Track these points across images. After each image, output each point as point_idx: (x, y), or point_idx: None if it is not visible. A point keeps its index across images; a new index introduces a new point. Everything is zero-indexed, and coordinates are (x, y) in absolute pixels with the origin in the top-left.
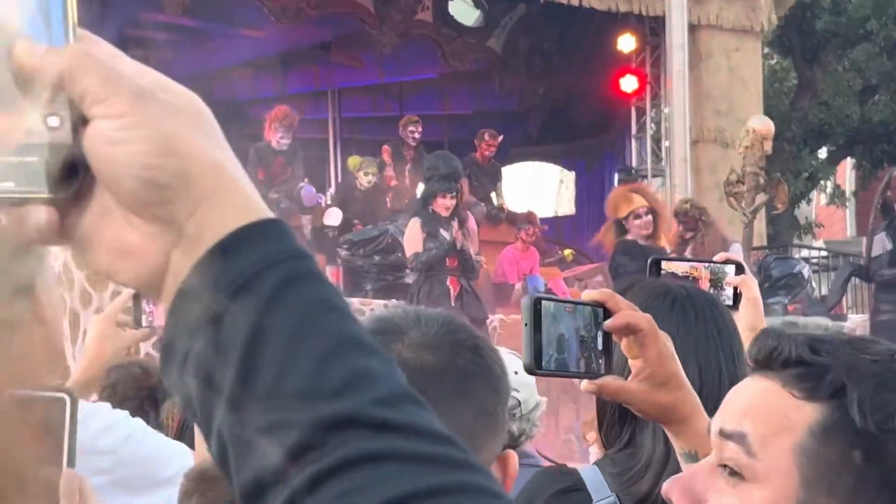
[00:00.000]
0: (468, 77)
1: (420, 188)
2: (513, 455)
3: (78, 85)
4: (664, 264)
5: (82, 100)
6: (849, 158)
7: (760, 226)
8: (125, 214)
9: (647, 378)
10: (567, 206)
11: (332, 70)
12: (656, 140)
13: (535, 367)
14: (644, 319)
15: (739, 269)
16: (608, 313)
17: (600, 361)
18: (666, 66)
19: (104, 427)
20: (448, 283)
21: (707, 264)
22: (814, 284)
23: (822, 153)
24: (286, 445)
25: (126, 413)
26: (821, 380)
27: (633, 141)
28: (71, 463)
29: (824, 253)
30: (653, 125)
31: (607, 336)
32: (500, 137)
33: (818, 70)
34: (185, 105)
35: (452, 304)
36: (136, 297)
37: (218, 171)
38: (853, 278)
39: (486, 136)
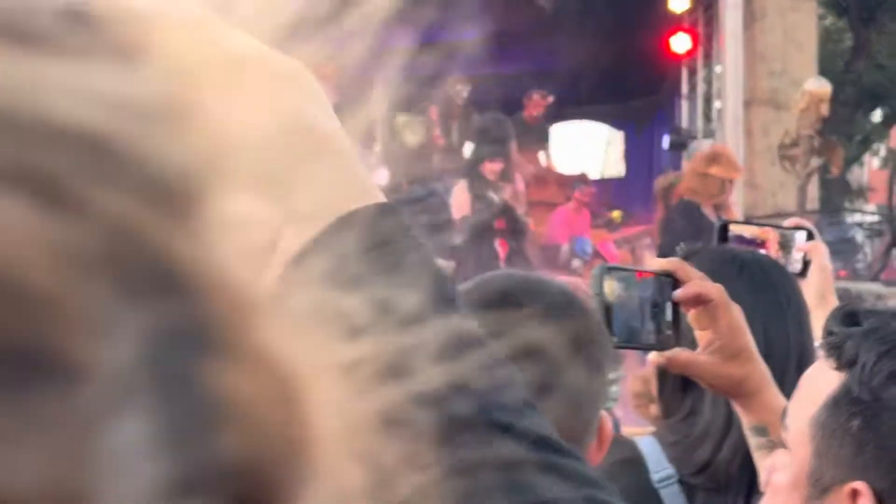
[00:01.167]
0: (518, 36)
1: (468, 148)
2: (607, 418)
3: None
4: (732, 227)
5: None
6: None
7: (813, 190)
8: (232, 188)
9: (717, 350)
10: (614, 168)
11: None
12: (707, 101)
13: None
14: (715, 289)
15: (810, 236)
16: (677, 283)
17: (669, 333)
18: (719, 26)
19: None
20: (497, 246)
21: (776, 229)
22: (867, 249)
23: (877, 116)
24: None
25: None
26: (842, 350)
27: (684, 101)
28: None
29: (877, 217)
30: (704, 85)
31: (676, 307)
32: (550, 98)
33: (873, 31)
34: (295, 74)
35: (502, 266)
36: None
37: (328, 148)
38: None
39: (536, 97)
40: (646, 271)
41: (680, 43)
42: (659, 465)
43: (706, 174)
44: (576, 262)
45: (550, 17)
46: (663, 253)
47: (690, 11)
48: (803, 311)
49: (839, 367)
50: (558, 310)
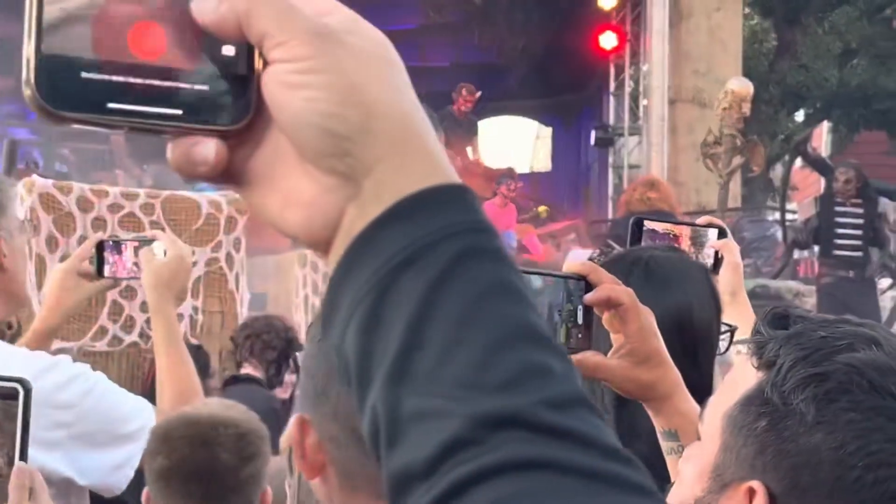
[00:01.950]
0: (447, 29)
1: None
2: None
3: (255, 28)
4: (646, 223)
5: (261, 44)
6: (825, 122)
7: (735, 187)
8: (301, 162)
9: (627, 354)
10: (543, 163)
11: None
12: (634, 98)
13: None
14: (625, 293)
15: (722, 234)
16: (589, 286)
17: (580, 336)
18: (646, 24)
19: (65, 380)
20: None
21: (689, 226)
22: None
23: (800, 116)
24: (439, 438)
25: (87, 366)
26: (764, 350)
27: (612, 98)
28: (23, 457)
29: (798, 216)
30: (631, 83)
31: (588, 310)
32: (478, 94)
33: (798, 32)
34: (375, 50)
35: None
36: (99, 247)
37: (404, 126)
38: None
39: (464, 91)
40: (557, 275)
41: (608, 40)
42: None
43: (649, 198)
44: None
45: (480, 12)
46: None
47: (618, 9)
48: (690, 321)
49: (759, 367)
50: None
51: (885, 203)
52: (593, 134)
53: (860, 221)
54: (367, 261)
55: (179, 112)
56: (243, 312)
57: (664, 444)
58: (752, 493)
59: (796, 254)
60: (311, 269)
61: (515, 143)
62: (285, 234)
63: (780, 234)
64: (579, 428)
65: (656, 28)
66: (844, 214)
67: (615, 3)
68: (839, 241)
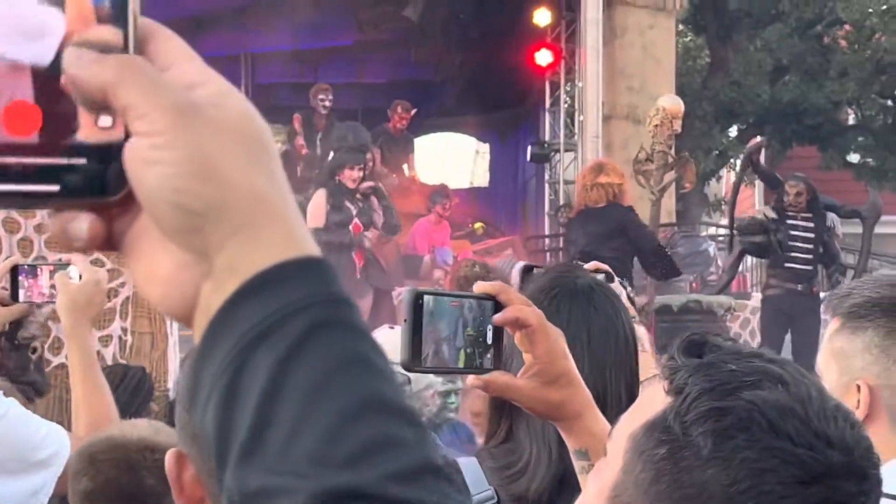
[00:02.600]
0: (384, 46)
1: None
2: None
3: (121, 99)
4: (535, 270)
5: (125, 115)
6: (758, 137)
7: (670, 202)
8: (161, 237)
9: (536, 374)
10: (482, 178)
11: (247, 34)
12: (570, 115)
13: (411, 364)
14: (533, 315)
15: (609, 278)
16: (499, 306)
17: (488, 356)
18: (580, 42)
19: None
20: (353, 257)
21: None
22: (719, 262)
23: (733, 131)
24: None
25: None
26: (674, 376)
27: (547, 115)
28: None
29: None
30: (567, 99)
31: (499, 330)
32: (414, 111)
33: (730, 49)
34: (236, 123)
35: (358, 276)
36: (14, 271)
37: (257, 201)
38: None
39: (400, 109)
40: (465, 295)
41: (543, 57)
42: (479, 486)
43: (597, 184)
44: (437, 273)
45: (416, 29)
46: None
47: (553, 27)
48: (609, 349)
49: (668, 393)
50: None
51: (832, 217)
52: (529, 150)
53: (811, 235)
54: (224, 338)
55: (56, 188)
56: (173, 332)
57: (576, 463)
58: None
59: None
60: None
61: (453, 159)
62: (156, 306)
63: (712, 250)
64: (425, 499)
65: (590, 45)
66: (796, 227)
67: (550, 20)
68: (791, 254)
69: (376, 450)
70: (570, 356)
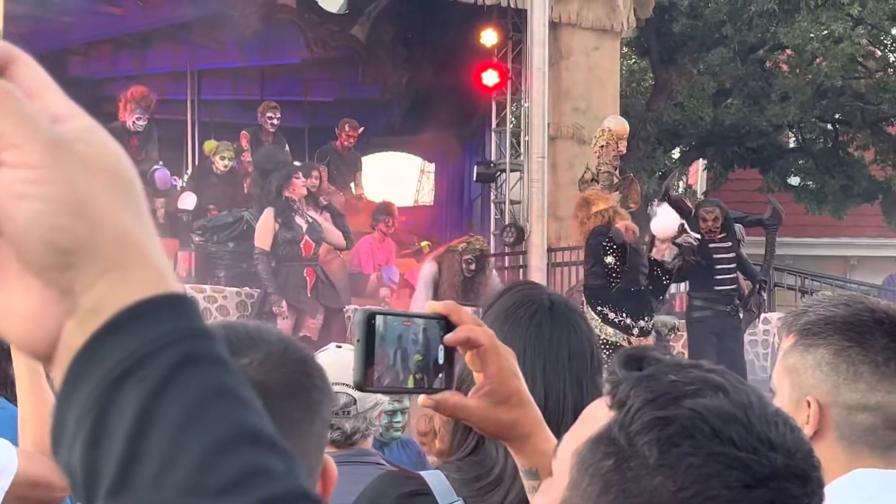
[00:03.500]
0: (331, 64)
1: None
2: (330, 461)
3: None
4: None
5: None
6: (701, 159)
7: None
8: (22, 273)
9: (487, 394)
10: (428, 197)
11: (193, 51)
12: (516, 135)
13: (363, 384)
14: (484, 335)
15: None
16: (451, 326)
17: (440, 375)
18: (527, 62)
19: None
20: (304, 274)
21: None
22: None
23: (676, 153)
24: None
25: None
26: (616, 390)
27: (494, 134)
28: None
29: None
30: (513, 119)
31: (450, 350)
32: (361, 129)
33: (674, 72)
34: (106, 162)
35: (308, 293)
36: None
37: (126, 241)
38: None
39: (347, 128)
40: (417, 315)
41: (490, 77)
42: (447, 497)
43: (592, 215)
44: (384, 291)
45: (364, 48)
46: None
47: (500, 47)
48: (587, 368)
49: (611, 407)
50: (276, 357)
51: (738, 229)
52: (475, 169)
53: (731, 255)
54: (89, 376)
55: None
56: None
57: (526, 483)
58: None
59: (672, 288)
60: None
61: (399, 177)
62: (11, 344)
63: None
64: None
65: (536, 66)
66: (717, 251)
67: (497, 40)
68: (718, 277)
69: (248, 479)
70: (521, 376)
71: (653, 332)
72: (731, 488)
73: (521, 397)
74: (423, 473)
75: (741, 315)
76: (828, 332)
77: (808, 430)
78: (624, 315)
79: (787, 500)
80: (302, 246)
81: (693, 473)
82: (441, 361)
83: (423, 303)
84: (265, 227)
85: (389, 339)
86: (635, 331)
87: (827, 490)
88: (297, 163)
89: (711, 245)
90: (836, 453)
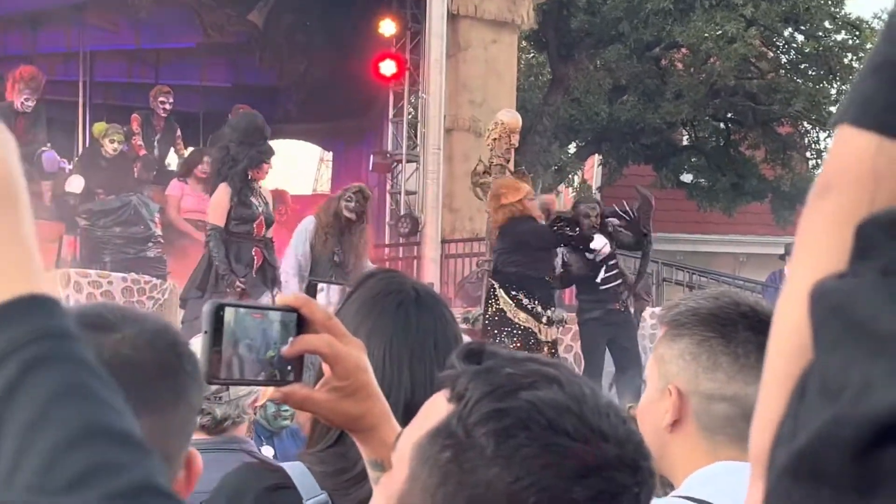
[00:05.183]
0: (228, 49)
1: (172, 158)
2: (196, 454)
3: None
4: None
5: None
6: (596, 155)
7: None
8: None
9: (334, 389)
10: (327, 185)
11: (86, 32)
12: (413, 126)
13: (209, 376)
14: (323, 344)
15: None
16: (302, 319)
17: (289, 368)
18: (425, 54)
19: None
20: (253, 253)
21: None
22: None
23: (572, 148)
24: None
25: None
26: (455, 383)
27: (391, 125)
28: None
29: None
30: (411, 110)
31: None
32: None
33: (571, 67)
34: None
35: (255, 274)
36: None
37: None
38: None
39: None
40: (268, 308)
41: (388, 68)
42: (311, 491)
43: (501, 207)
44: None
45: (261, 34)
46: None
47: (399, 38)
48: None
49: (450, 400)
50: (149, 337)
51: (611, 223)
52: (371, 159)
53: (612, 250)
54: None
55: None
56: None
57: (371, 474)
58: None
59: None
60: (73, 290)
61: (297, 165)
62: None
63: None
64: None
65: (434, 58)
66: (592, 251)
67: (395, 31)
68: (603, 276)
69: (93, 474)
70: (369, 369)
71: (555, 325)
72: (565, 478)
73: (369, 391)
74: (285, 466)
75: (632, 309)
76: (693, 323)
77: (668, 418)
78: (536, 303)
79: (618, 489)
80: (255, 225)
81: (528, 464)
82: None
83: (291, 259)
84: (220, 203)
85: (240, 332)
86: (544, 319)
87: (687, 481)
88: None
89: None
90: (697, 443)
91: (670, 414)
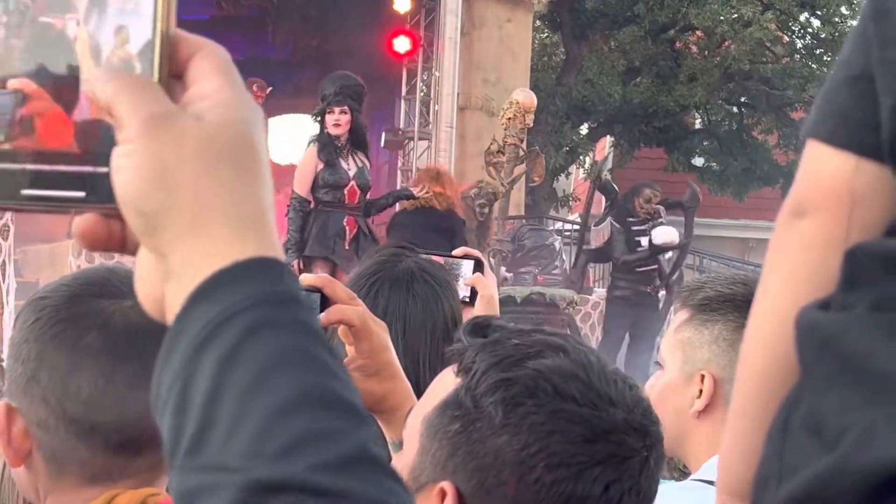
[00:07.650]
0: (241, 22)
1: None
2: None
3: (115, 112)
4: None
5: (118, 126)
6: (608, 136)
7: (519, 195)
8: None
9: (358, 367)
10: None
11: None
12: (425, 103)
13: None
14: (356, 315)
15: (478, 266)
16: (325, 297)
17: None
18: (439, 31)
19: None
20: (345, 223)
21: (444, 258)
22: (564, 256)
23: (584, 129)
24: None
25: None
26: (462, 357)
27: (403, 102)
28: None
29: (577, 226)
30: (423, 87)
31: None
32: (270, 89)
33: (585, 48)
34: (211, 134)
35: (347, 246)
36: None
37: (202, 205)
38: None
39: (255, 87)
40: None
41: (401, 44)
42: None
43: (438, 193)
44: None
45: (275, 8)
46: None
47: (413, 14)
48: (452, 331)
49: (457, 373)
50: None
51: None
52: (383, 136)
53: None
54: (178, 346)
55: (83, 194)
56: (9, 301)
57: (394, 455)
58: (443, 493)
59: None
60: (85, 260)
61: (306, 140)
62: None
63: (558, 244)
64: (355, 488)
65: (448, 35)
66: (643, 233)
67: (410, 7)
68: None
69: (307, 441)
70: (392, 349)
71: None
72: (573, 443)
73: (392, 370)
74: None
75: (660, 295)
76: (726, 309)
77: (699, 404)
78: None
79: (627, 453)
80: (346, 192)
81: (536, 431)
82: None
83: None
84: (306, 167)
85: None
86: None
87: (706, 465)
88: None
89: (634, 228)
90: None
91: (702, 399)
